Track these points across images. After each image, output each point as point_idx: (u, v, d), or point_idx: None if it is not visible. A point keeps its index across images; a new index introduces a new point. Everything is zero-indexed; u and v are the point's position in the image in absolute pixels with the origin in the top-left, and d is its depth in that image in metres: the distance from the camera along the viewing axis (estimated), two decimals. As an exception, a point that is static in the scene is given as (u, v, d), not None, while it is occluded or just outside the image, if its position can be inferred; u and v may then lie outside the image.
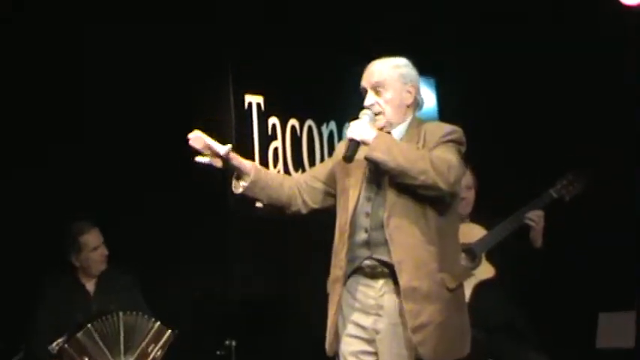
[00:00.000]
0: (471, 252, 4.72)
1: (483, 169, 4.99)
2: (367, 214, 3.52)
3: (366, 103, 3.56)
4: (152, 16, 5.32)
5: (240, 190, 3.58)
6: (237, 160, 3.58)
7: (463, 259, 4.65)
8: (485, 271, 4.74)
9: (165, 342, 4.76)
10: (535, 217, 4.72)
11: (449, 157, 3.46)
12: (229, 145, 3.59)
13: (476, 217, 4.87)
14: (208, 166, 3.55)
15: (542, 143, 6.15)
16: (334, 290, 3.56)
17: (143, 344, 4.70)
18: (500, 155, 6.00)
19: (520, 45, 6.12)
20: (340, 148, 3.68)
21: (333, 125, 6.11)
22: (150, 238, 5.23)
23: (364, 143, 3.44)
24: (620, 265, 5.77)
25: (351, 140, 3.46)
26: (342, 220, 3.55)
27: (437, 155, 3.45)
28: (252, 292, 5.65)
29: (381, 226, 3.48)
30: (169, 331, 4.76)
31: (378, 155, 3.40)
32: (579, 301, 5.82)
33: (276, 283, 5.77)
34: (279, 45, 5.72)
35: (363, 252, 3.51)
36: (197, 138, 3.55)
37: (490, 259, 4.75)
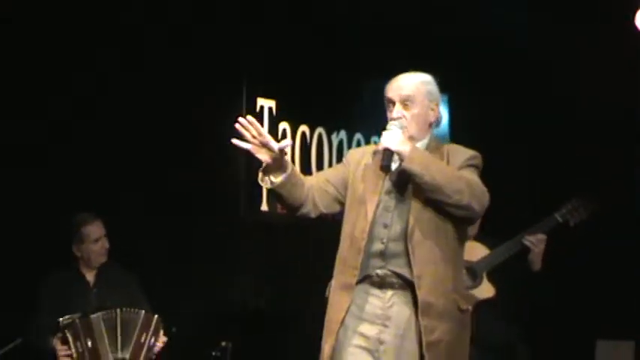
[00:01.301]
0: (473, 271, 4.71)
1: (491, 189, 4.99)
2: (385, 225, 3.49)
3: (395, 114, 3.53)
4: (166, 15, 5.33)
5: (270, 185, 3.49)
6: (283, 153, 3.48)
7: (464, 278, 4.65)
8: (486, 290, 4.73)
9: (156, 328, 4.77)
10: (534, 240, 4.71)
11: (478, 180, 3.49)
12: (289, 141, 3.58)
13: (479, 235, 4.85)
14: (244, 151, 3.43)
15: (552, 166, 6.15)
16: (341, 297, 3.51)
17: (135, 336, 4.72)
18: (508, 175, 6.00)
19: (534, 69, 6.14)
20: (353, 155, 3.67)
21: (343, 134, 6.13)
22: (153, 239, 5.23)
23: (399, 154, 3.42)
24: (621, 294, 5.76)
25: (386, 150, 3.43)
26: (357, 228, 3.50)
27: (470, 177, 3.47)
28: (252, 296, 5.66)
29: (400, 238, 3.46)
30: (155, 316, 4.77)
31: (416, 168, 3.39)
32: (578, 328, 5.81)
33: (277, 289, 5.77)
34: (295, 51, 5.73)
35: (377, 262, 3.49)
36: (252, 123, 3.43)
37: (491, 278, 4.74)
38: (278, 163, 3.44)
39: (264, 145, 3.42)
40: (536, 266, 4.73)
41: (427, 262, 3.45)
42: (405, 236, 3.46)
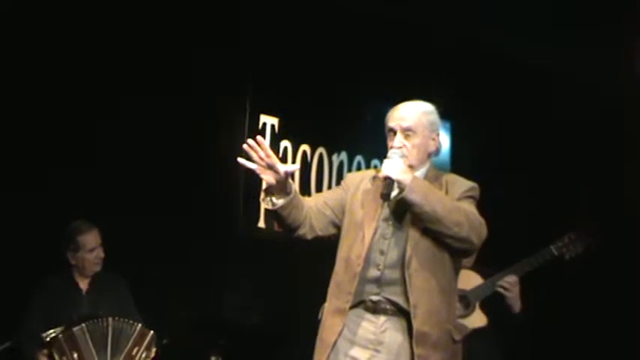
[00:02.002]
0: (466, 299, 4.69)
1: (489, 217, 4.99)
2: (382, 252, 3.49)
3: (396, 144, 3.53)
4: (171, 31, 5.35)
5: (271, 206, 3.46)
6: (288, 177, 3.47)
7: (457, 306, 4.63)
8: (478, 319, 4.71)
9: (149, 343, 4.77)
10: (506, 285, 4.64)
11: (476, 213, 3.49)
12: (297, 165, 3.57)
13: (474, 264, 4.84)
14: (246, 169, 3.42)
15: (552, 196, 6.15)
16: (334, 321, 3.50)
17: (127, 348, 4.71)
18: (507, 204, 6.01)
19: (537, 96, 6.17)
20: (352, 179, 3.67)
21: (344, 155, 6.13)
22: (150, 251, 5.23)
23: (399, 183, 3.42)
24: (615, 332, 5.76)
25: (387, 178, 3.43)
26: (353, 253, 3.50)
27: (469, 209, 3.47)
28: (244, 312, 5.65)
29: (396, 266, 3.47)
30: (151, 332, 4.77)
31: (416, 197, 3.39)
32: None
33: (270, 306, 5.76)
34: (300, 71, 5.75)
35: (372, 288, 3.49)
36: (261, 144, 3.40)
37: (484, 308, 4.73)
38: (281, 185, 3.43)
39: (271, 167, 3.40)
40: (516, 309, 4.66)
41: (423, 292, 3.45)
42: (402, 264, 3.46)
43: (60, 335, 4.56)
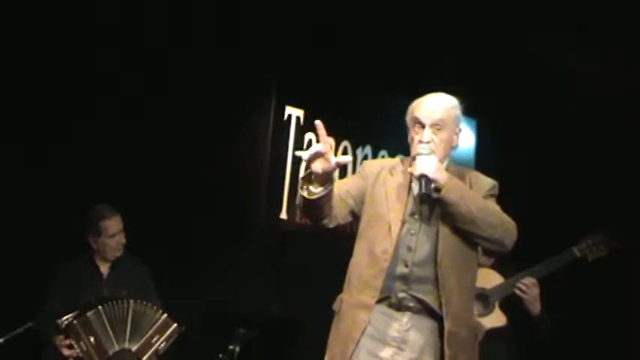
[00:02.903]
0: (485, 298, 4.67)
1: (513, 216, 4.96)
2: (410, 248, 3.46)
3: (425, 138, 3.49)
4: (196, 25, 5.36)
5: (307, 194, 3.34)
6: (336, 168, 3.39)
7: (476, 305, 4.61)
8: (497, 319, 4.68)
9: (170, 335, 4.77)
10: (524, 287, 4.61)
11: (506, 215, 3.48)
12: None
13: (495, 263, 4.82)
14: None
15: (577, 196, 6.12)
16: (357, 316, 3.45)
17: (148, 334, 4.72)
18: (532, 203, 5.98)
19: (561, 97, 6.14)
20: (370, 168, 3.61)
21: (368, 149, 6.12)
22: (173, 239, 5.24)
23: (435, 182, 3.38)
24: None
25: (423, 177, 3.38)
26: (377, 247, 3.46)
27: (500, 211, 3.46)
28: (264, 302, 5.66)
29: (426, 263, 3.44)
30: (175, 324, 4.77)
31: (453, 197, 3.37)
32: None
33: (290, 296, 5.76)
34: (328, 64, 5.75)
35: (399, 285, 3.45)
36: (319, 128, 3.32)
37: (503, 307, 4.70)
38: (326, 176, 3.33)
39: (321, 156, 3.30)
40: (535, 310, 4.63)
41: (454, 291, 3.43)
42: (435, 262, 3.43)
43: (75, 321, 4.57)
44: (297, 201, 3.42)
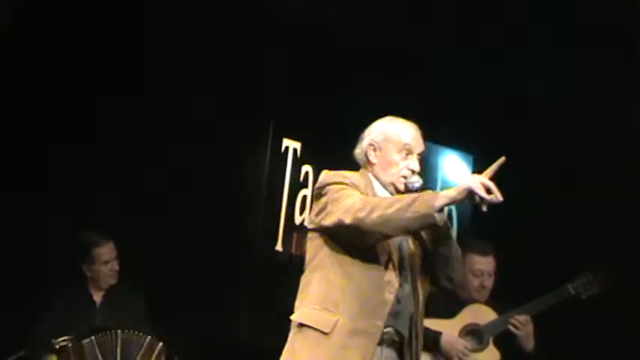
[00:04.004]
0: (479, 334, 4.67)
1: (508, 253, 4.97)
2: (400, 285, 3.45)
3: (418, 168, 3.54)
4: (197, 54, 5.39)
5: (440, 222, 3.28)
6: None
7: (469, 341, 4.61)
8: (491, 355, 4.67)
9: (159, 354, 4.75)
10: (517, 323, 4.59)
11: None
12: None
13: (489, 299, 4.82)
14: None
15: (573, 235, 6.11)
16: (360, 344, 3.35)
17: (137, 359, 4.71)
18: (528, 239, 5.99)
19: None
20: (352, 178, 3.50)
21: (363, 183, 6.12)
22: (167, 267, 5.24)
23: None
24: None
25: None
26: (383, 276, 3.40)
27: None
28: (257, 333, 5.64)
29: (409, 297, 3.44)
30: (160, 343, 4.75)
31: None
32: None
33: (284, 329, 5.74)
34: (324, 96, 5.77)
35: (389, 318, 3.42)
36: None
37: (497, 343, 4.70)
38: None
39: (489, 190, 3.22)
40: (528, 347, 4.61)
41: (421, 322, 3.49)
42: (415, 295, 3.44)
43: (69, 345, 4.57)
44: (416, 219, 3.27)
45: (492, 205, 3.20)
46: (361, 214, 3.30)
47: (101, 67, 5.18)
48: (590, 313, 5.23)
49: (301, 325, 3.44)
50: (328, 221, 3.40)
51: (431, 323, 4.25)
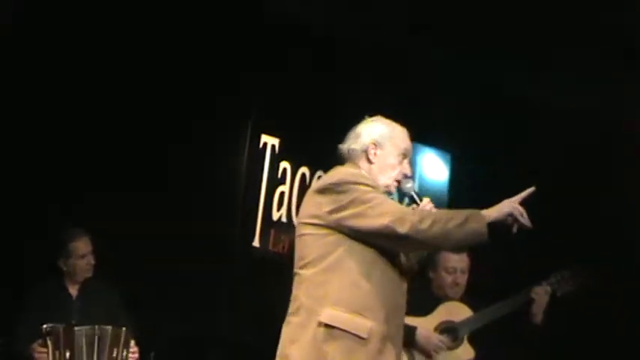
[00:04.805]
0: (454, 331, 4.69)
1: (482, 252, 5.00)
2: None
3: (411, 174, 3.60)
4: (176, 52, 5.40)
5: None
6: None
7: (444, 338, 4.64)
8: (465, 352, 4.70)
9: (125, 341, 4.76)
10: (540, 291, 4.69)
11: None
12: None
13: (464, 296, 4.84)
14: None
15: (549, 232, 6.15)
16: (390, 352, 3.39)
17: (106, 351, 4.72)
18: (499, 239, 6.00)
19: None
20: (374, 184, 3.48)
21: (342, 179, 6.13)
22: (146, 264, 5.24)
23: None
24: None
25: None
26: (402, 282, 3.46)
27: None
28: (236, 330, 5.65)
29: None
30: (123, 328, 4.76)
31: None
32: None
33: (262, 325, 5.75)
34: (303, 92, 5.78)
35: None
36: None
37: (472, 340, 4.72)
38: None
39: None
40: (538, 318, 4.68)
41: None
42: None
43: (61, 329, 4.60)
44: (473, 235, 3.34)
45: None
46: (422, 226, 3.25)
47: (101, 67, 5.18)
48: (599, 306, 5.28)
49: (330, 327, 3.34)
50: (363, 223, 3.32)
51: (406, 321, 4.26)
